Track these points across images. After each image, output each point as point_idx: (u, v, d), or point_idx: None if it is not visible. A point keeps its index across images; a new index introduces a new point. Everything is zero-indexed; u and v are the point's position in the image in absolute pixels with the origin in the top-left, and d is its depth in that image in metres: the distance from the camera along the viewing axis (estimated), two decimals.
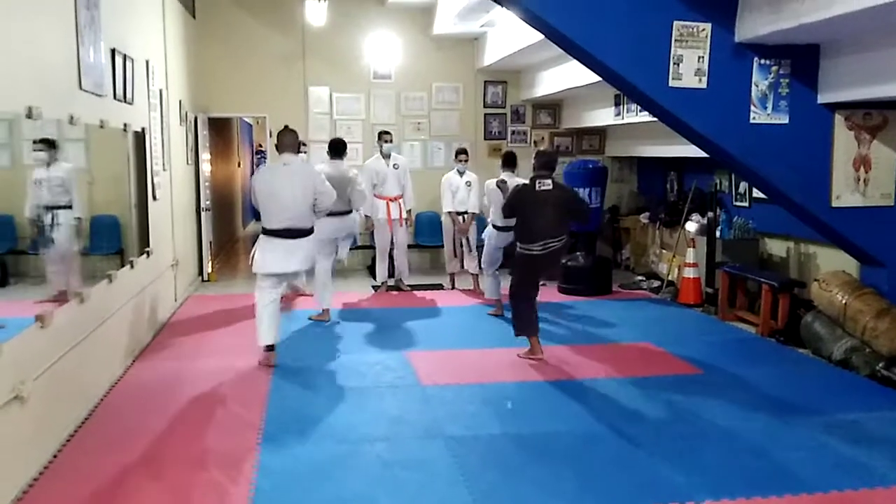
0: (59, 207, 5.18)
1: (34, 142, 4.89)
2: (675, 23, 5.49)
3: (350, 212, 7.32)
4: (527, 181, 6.09)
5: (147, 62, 6.69)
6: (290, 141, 5.68)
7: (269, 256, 5.56)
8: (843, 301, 5.95)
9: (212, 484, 3.74)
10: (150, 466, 3.95)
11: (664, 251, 9.17)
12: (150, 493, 3.65)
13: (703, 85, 5.56)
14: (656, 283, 8.97)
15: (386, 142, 8.53)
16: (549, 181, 5.88)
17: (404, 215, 8.62)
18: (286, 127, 5.94)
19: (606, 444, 4.33)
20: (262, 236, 5.65)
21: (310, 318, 7.23)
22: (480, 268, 8.08)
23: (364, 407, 4.91)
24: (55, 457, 4.02)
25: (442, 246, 9.26)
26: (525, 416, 4.79)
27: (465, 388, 5.32)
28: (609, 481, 3.84)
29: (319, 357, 6.04)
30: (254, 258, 5.67)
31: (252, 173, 14.88)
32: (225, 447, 4.20)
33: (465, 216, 8.62)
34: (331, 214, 6.50)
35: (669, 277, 8.75)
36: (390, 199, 8.49)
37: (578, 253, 8.73)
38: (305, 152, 8.43)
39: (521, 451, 4.22)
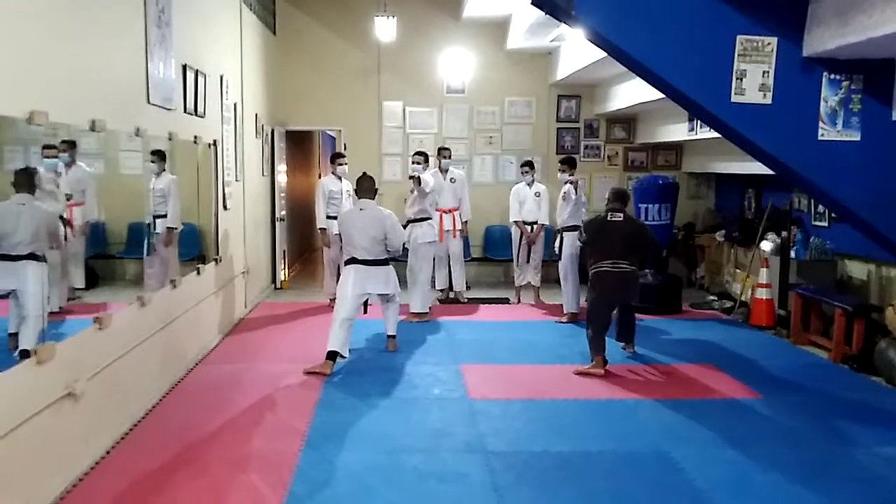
0: (159, 217, 5.51)
1: (150, 153, 5.27)
2: (739, 37, 5.35)
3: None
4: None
5: (221, 77, 6.96)
6: (367, 187, 6.36)
7: (350, 281, 6.16)
8: None
9: (249, 487, 3.86)
10: (193, 467, 4.10)
11: (738, 271, 8.89)
12: (187, 493, 3.79)
13: (768, 101, 5.39)
14: (728, 304, 8.70)
15: (444, 157, 8.84)
16: (621, 214, 6.32)
17: (458, 226, 8.88)
18: (364, 174, 6.50)
19: (649, 467, 4.23)
20: (345, 265, 6.31)
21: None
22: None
23: (409, 418, 4.95)
24: (108, 453, 4.22)
25: (512, 259, 9.25)
26: (570, 434, 4.73)
27: (513, 403, 5.30)
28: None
29: (374, 366, 6.13)
30: (339, 282, 6.43)
31: None
32: (268, 451, 4.33)
33: (534, 227, 8.65)
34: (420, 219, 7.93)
35: (742, 298, 8.47)
36: (444, 212, 8.70)
37: (647, 271, 8.56)
38: (343, 164, 8.60)
39: (560, 470, 4.17)
